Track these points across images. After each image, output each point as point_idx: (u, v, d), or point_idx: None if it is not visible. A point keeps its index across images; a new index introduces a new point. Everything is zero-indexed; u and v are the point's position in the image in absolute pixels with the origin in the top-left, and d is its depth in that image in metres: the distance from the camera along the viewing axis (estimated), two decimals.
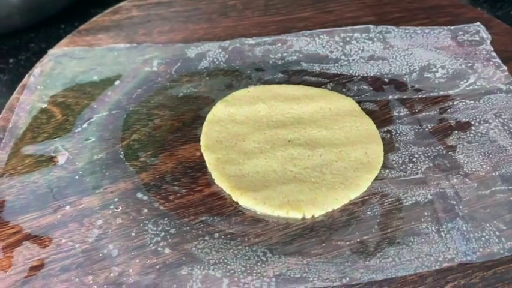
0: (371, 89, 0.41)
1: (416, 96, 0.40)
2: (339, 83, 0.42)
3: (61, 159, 0.37)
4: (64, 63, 0.43)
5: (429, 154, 0.37)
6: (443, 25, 0.46)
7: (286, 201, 0.33)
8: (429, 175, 0.35)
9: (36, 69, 0.43)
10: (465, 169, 0.36)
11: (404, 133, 0.38)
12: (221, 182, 0.35)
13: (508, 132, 0.38)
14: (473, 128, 0.38)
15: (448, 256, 0.31)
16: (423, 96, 0.41)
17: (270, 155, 0.36)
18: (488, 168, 0.36)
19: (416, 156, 0.36)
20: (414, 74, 0.42)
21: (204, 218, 0.33)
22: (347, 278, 0.30)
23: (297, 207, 0.33)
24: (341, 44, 0.45)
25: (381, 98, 0.40)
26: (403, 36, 0.45)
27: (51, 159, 0.37)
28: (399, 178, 0.35)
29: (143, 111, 0.40)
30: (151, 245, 0.32)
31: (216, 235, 0.32)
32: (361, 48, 0.44)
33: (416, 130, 0.38)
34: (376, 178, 0.35)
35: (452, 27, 0.46)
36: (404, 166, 0.36)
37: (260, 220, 0.33)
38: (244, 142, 0.37)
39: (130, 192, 0.35)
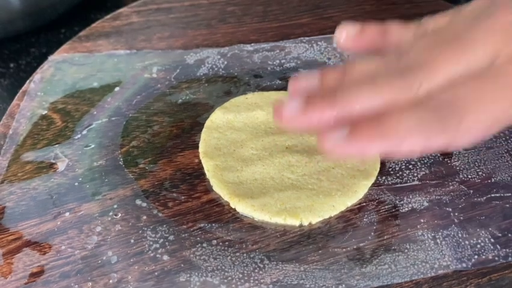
0: None
1: None
2: None
3: (61, 166, 0.37)
4: (64, 70, 0.44)
5: (425, 161, 0.37)
6: None
7: (283, 208, 0.34)
8: (426, 182, 0.36)
9: (37, 76, 0.43)
10: (461, 176, 0.36)
11: None
12: (219, 189, 0.35)
13: (503, 139, 0.38)
14: None
15: (443, 263, 0.32)
16: None
17: (268, 161, 0.36)
18: (483, 175, 0.36)
19: (413, 163, 0.37)
20: None
21: (202, 225, 0.34)
22: (343, 285, 0.31)
23: (294, 214, 0.33)
24: (339, 50, 0.45)
25: None
26: None
27: (51, 166, 0.37)
28: (396, 185, 0.36)
29: (142, 117, 0.40)
30: (150, 251, 0.32)
31: (214, 242, 0.33)
32: (359, 55, 0.45)
33: None
34: (373, 185, 0.35)
35: None
36: (400, 173, 0.36)
37: (258, 227, 0.33)
38: (242, 149, 0.37)
39: (129, 199, 0.35)
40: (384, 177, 0.36)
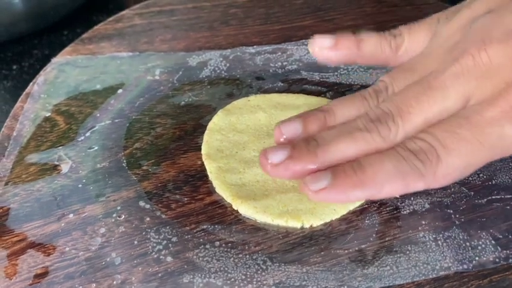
0: None
1: None
2: (339, 91, 0.42)
3: (65, 168, 0.37)
4: (67, 72, 0.44)
5: None
6: None
7: (285, 210, 0.34)
8: None
9: (40, 78, 0.44)
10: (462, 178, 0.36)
11: None
12: (222, 191, 0.35)
13: None
14: None
15: (444, 265, 0.32)
16: None
17: None
18: (484, 177, 0.36)
19: None
20: None
21: (205, 227, 0.34)
22: (345, 287, 0.31)
23: (296, 216, 0.34)
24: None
25: None
26: None
27: (55, 168, 0.37)
28: None
29: (145, 119, 0.40)
30: (153, 253, 0.32)
31: (217, 243, 0.33)
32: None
33: None
34: None
35: None
36: None
37: (260, 229, 0.34)
38: (244, 151, 0.38)
39: (132, 201, 0.35)
40: None
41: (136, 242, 0.33)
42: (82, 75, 0.44)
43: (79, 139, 0.39)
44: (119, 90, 0.42)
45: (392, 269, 0.32)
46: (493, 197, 0.35)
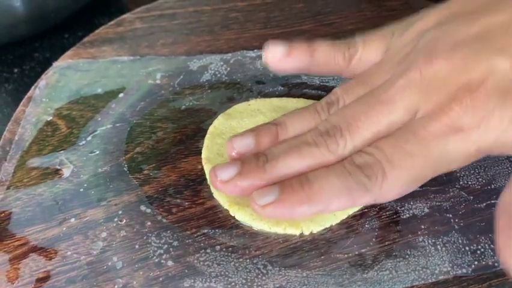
0: None
1: None
2: None
3: (66, 172, 0.37)
4: (68, 76, 0.44)
5: None
6: None
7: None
8: (426, 188, 0.36)
9: (42, 82, 0.44)
10: (461, 182, 0.36)
11: None
12: (219, 196, 0.35)
13: None
14: None
15: (443, 269, 0.32)
16: None
17: None
18: (483, 181, 0.36)
19: None
20: None
21: (206, 231, 0.34)
22: None
23: (295, 223, 0.33)
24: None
25: None
26: None
27: (56, 172, 0.37)
28: None
29: (146, 124, 0.41)
30: (154, 257, 0.33)
31: (218, 248, 0.33)
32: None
33: None
34: None
35: None
36: None
37: (260, 233, 0.34)
38: None
39: (133, 205, 0.35)
40: None
41: (137, 246, 0.33)
42: (83, 79, 0.44)
43: (81, 143, 0.39)
44: (121, 94, 0.43)
45: (391, 273, 0.32)
46: (492, 201, 0.35)
